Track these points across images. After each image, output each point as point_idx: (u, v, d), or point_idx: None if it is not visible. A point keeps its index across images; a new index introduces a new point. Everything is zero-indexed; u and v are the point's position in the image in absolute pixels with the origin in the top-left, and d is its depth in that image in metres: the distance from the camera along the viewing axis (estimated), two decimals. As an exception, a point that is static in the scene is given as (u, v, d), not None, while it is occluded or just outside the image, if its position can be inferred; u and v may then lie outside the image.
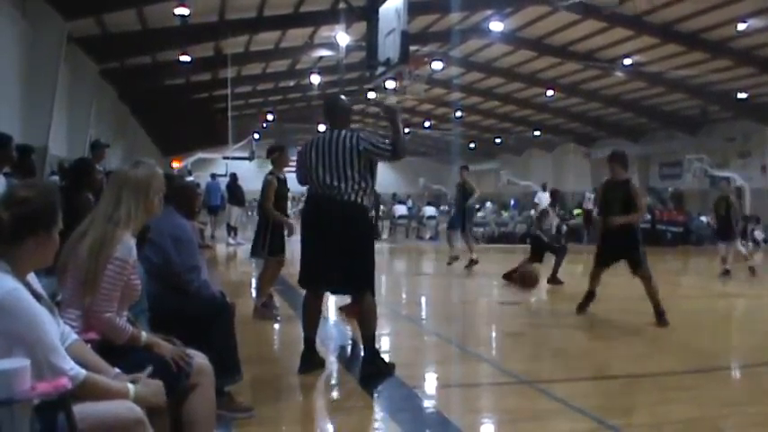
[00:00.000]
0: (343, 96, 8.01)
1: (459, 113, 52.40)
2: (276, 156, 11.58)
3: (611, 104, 44.34)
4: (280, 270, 11.30)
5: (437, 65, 35.43)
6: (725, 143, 40.46)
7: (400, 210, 37.45)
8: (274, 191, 11.02)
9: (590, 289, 11.44)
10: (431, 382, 7.32)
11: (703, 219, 33.23)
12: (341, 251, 7.13)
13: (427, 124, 57.06)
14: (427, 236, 34.31)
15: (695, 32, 30.27)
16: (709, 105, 39.84)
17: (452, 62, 38.32)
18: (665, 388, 7.33)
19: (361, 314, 7.51)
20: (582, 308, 11.38)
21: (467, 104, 50.15)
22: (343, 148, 7.18)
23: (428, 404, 6.57)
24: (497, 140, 59.10)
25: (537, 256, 16.10)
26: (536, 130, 53.41)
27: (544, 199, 32.00)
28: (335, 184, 7.16)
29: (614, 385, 7.55)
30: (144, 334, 4.21)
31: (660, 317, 10.57)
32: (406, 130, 57.35)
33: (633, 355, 8.98)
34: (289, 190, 11.69)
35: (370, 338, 7.41)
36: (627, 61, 34.31)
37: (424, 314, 12.49)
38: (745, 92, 36.00)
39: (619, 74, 36.59)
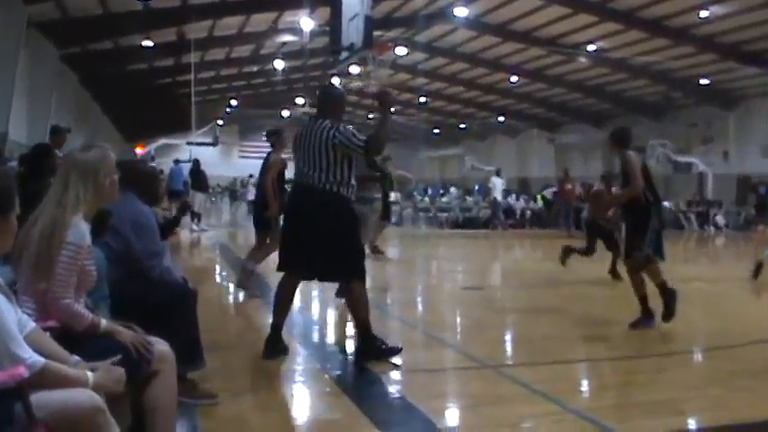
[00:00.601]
0: (337, 86, 8.02)
1: (423, 99, 52.40)
2: (274, 139, 11.73)
3: (575, 90, 44.54)
4: (272, 247, 11.17)
5: (401, 50, 35.36)
6: (688, 129, 40.75)
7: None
8: (277, 171, 11.12)
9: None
10: (395, 368, 7.30)
11: (666, 204, 33.46)
12: (318, 240, 7.14)
13: (391, 110, 56.92)
14: (392, 220, 34.30)
15: (658, 19, 30.44)
16: (672, 91, 40.09)
17: (417, 47, 38.31)
18: (627, 371, 7.38)
19: (351, 302, 7.51)
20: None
21: (431, 90, 50.19)
22: (319, 138, 7.20)
23: (392, 390, 6.56)
24: (462, 126, 59.15)
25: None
26: (500, 115, 53.50)
27: (498, 184, 32.21)
28: (311, 173, 7.18)
29: (577, 369, 7.58)
30: (104, 321, 4.16)
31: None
32: (370, 116, 57.36)
33: (596, 339, 9.02)
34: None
35: (361, 325, 7.39)
36: (590, 47, 34.46)
37: (387, 299, 12.48)
38: (708, 78, 36.27)
39: (582, 60, 36.73)
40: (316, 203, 7.20)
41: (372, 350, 7.36)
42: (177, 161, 31.27)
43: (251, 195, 47.12)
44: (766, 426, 5.66)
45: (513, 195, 36.88)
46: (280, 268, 7.57)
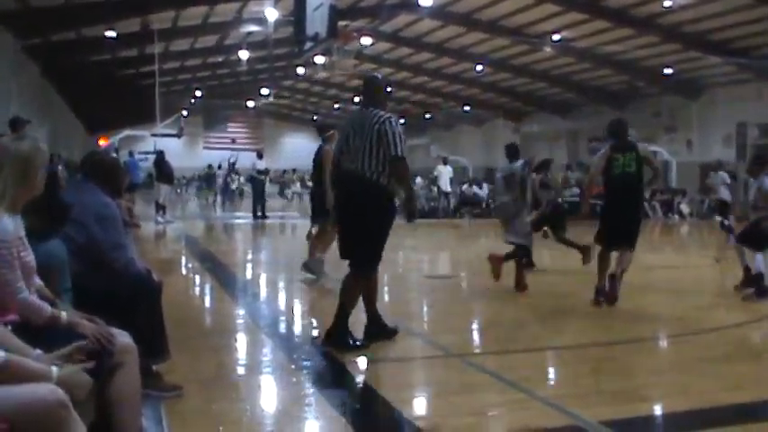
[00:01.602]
0: (379, 75, 8.13)
1: (388, 89, 52.23)
2: (330, 134, 12.18)
3: (540, 80, 44.66)
4: (332, 234, 11.22)
5: (366, 40, 35.30)
6: (652, 118, 40.95)
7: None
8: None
9: None
10: (361, 357, 7.30)
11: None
12: (352, 227, 7.45)
13: (357, 100, 56.88)
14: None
15: (623, 8, 30.56)
16: (637, 81, 40.31)
17: (382, 37, 38.25)
18: (593, 359, 7.42)
19: (342, 288, 7.64)
20: None
21: (396, 80, 50.10)
22: (369, 125, 7.30)
23: (359, 379, 6.57)
24: (427, 116, 59.18)
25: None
26: (465, 105, 53.55)
27: (445, 172, 32.20)
28: (358, 160, 7.31)
29: (544, 357, 7.63)
30: (64, 313, 4.10)
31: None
32: (336, 106, 57.31)
33: (562, 327, 9.08)
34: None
35: (340, 314, 7.52)
36: (555, 37, 34.52)
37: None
38: (672, 68, 36.46)
39: (547, 49, 36.79)
40: (358, 192, 7.36)
41: (338, 338, 7.43)
42: (131, 153, 31.17)
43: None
44: (732, 410, 5.71)
45: (477, 184, 36.85)
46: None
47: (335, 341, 7.40)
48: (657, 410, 5.94)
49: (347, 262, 7.64)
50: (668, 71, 36.74)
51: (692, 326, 8.87)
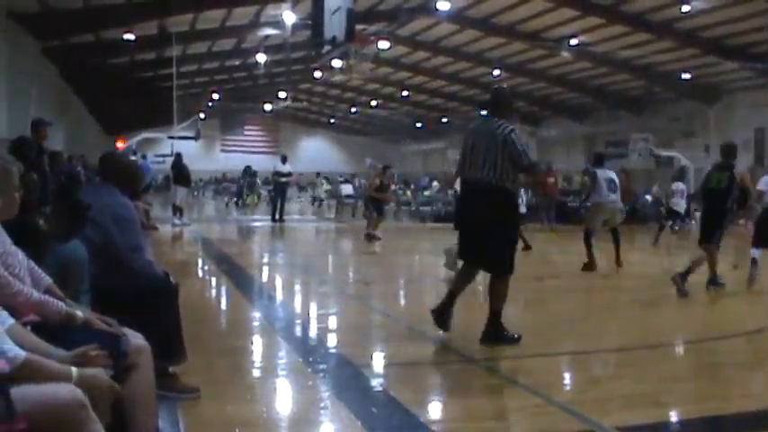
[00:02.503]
0: (505, 86, 8.85)
1: (405, 93, 52.35)
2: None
3: (557, 84, 44.54)
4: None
5: (383, 44, 35.30)
6: (669, 123, 40.79)
7: (347, 189, 37.33)
8: None
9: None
10: (378, 361, 7.30)
11: (648, 197, 33.53)
12: (485, 232, 7.84)
13: (374, 103, 56.92)
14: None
15: (640, 13, 30.47)
16: (654, 86, 40.16)
17: (399, 41, 38.22)
18: (612, 364, 7.40)
19: (490, 291, 8.07)
20: None
21: (413, 84, 50.17)
22: (493, 136, 7.69)
23: (375, 383, 6.55)
24: (444, 120, 59.13)
25: None
26: (482, 109, 53.38)
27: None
28: (484, 169, 7.71)
29: (561, 362, 7.59)
30: (79, 312, 4.11)
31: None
32: (353, 110, 57.35)
33: (580, 332, 9.05)
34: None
35: (491, 313, 7.93)
36: (573, 41, 34.43)
37: (371, 293, 12.48)
38: (689, 72, 36.32)
39: (565, 54, 36.70)
40: (487, 200, 7.74)
41: (494, 335, 7.86)
42: (144, 155, 31.28)
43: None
44: (750, 417, 5.68)
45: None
46: (460, 257, 8.40)
47: (494, 340, 7.83)
48: (674, 417, 5.90)
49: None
50: (686, 76, 36.59)
51: (710, 332, 8.83)
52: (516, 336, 7.88)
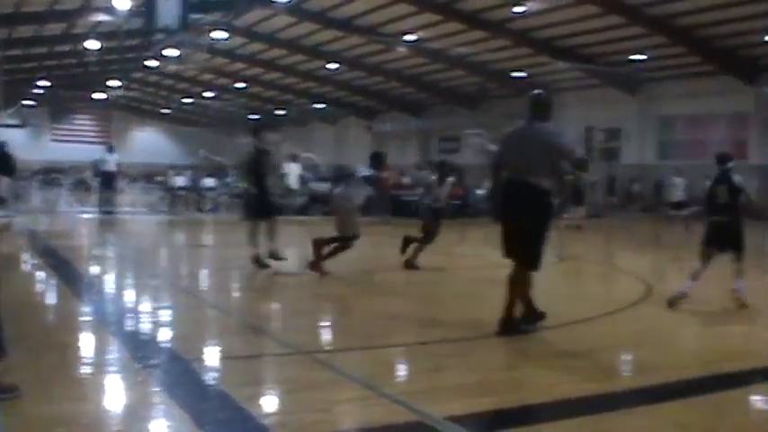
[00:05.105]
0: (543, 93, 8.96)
1: (241, 84, 51.96)
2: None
3: (394, 79, 45.05)
4: None
5: (220, 34, 34.92)
6: (503, 119, 41.70)
7: (180, 181, 36.61)
8: None
9: None
10: (210, 356, 7.21)
11: (481, 192, 34.13)
12: (524, 228, 8.21)
13: (208, 94, 56.24)
14: (207, 208, 33.70)
15: (476, 12, 31.12)
16: (488, 83, 41.05)
17: (235, 32, 37.89)
18: (440, 355, 7.49)
19: (510, 281, 8.30)
20: None
21: (249, 75, 49.88)
22: (540, 139, 8.22)
23: (206, 377, 6.46)
24: (280, 112, 58.98)
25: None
26: (318, 102, 53.56)
27: (294, 168, 31.79)
28: (529, 170, 8.14)
29: (391, 354, 7.66)
30: None
31: None
32: (188, 101, 56.54)
33: (411, 324, 9.14)
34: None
35: (509, 303, 8.24)
36: (409, 37, 34.83)
37: (203, 286, 12.31)
38: (523, 71, 37.28)
39: (401, 49, 37.15)
40: (529, 199, 8.13)
41: (510, 326, 8.18)
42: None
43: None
44: (574, 403, 5.89)
45: (329, 182, 36.71)
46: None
47: (512, 329, 8.15)
48: (503, 404, 6.02)
49: None
50: (519, 74, 37.55)
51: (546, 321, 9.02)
52: (531, 328, 8.39)
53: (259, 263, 12.85)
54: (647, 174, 37.68)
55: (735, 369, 7.17)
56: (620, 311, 10.07)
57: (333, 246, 12.58)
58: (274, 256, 12.89)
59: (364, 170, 12.99)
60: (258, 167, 12.98)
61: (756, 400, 6.46)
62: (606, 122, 36.18)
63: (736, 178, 10.52)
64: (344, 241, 12.57)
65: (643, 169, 37.85)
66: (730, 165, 10.67)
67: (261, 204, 12.95)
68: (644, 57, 33.85)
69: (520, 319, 8.36)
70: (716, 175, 10.73)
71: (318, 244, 12.61)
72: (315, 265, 12.38)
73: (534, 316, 8.50)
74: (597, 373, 6.95)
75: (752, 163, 32.82)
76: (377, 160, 13.32)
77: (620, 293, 12.36)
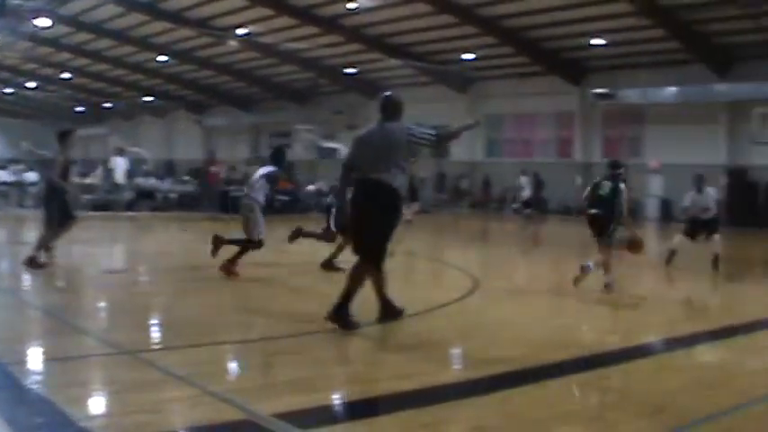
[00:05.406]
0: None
1: (66, 75, 50.44)
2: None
3: (224, 73, 44.70)
4: None
5: (43, 21, 33.76)
6: (333, 115, 41.94)
7: (2, 176, 35.19)
8: None
9: None
10: (30, 358, 6.91)
11: (311, 188, 34.09)
12: (372, 226, 8.35)
13: (31, 85, 54.30)
14: (30, 203, 32.50)
15: (308, 7, 31.12)
16: (321, 78, 41.15)
17: (61, 20, 36.69)
18: (270, 352, 7.42)
19: (352, 273, 8.42)
20: None
21: (75, 66, 48.48)
22: (394, 138, 8.47)
23: (26, 381, 6.16)
24: (107, 105, 57.57)
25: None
26: (147, 95, 52.59)
27: (120, 163, 31.04)
28: (382, 169, 8.28)
29: (220, 352, 7.53)
30: None
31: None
32: (9, 91, 54.53)
33: (240, 320, 9.06)
34: None
35: (344, 295, 8.23)
36: (241, 31, 34.57)
37: (24, 285, 11.84)
38: (355, 67, 37.52)
39: (233, 43, 36.85)
40: (381, 198, 8.24)
41: (340, 314, 8.17)
42: None
43: None
44: (401, 397, 5.89)
45: (158, 177, 36.07)
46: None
47: (340, 319, 8.14)
48: (334, 400, 6.02)
49: None
50: (351, 70, 37.78)
51: (370, 317, 9.01)
52: (359, 326, 8.27)
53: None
54: (475, 170, 38.54)
55: (560, 359, 7.36)
56: (448, 305, 10.22)
57: (239, 248, 12.29)
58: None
59: (265, 168, 12.56)
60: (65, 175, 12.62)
61: (580, 387, 6.63)
62: (436, 120, 36.50)
63: (626, 185, 11.85)
64: (250, 244, 12.25)
65: (472, 166, 38.68)
66: (620, 171, 11.91)
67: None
68: (474, 56, 34.60)
69: (379, 318, 8.54)
70: (605, 175, 12.02)
71: (220, 242, 12.42)
72: (227, 267, 12.04)
73: (392, 313, 8.64)
74: (428, 365, 7.01)
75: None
76: (279, 156, 12.98)
77: (449, 287, 12.50)
